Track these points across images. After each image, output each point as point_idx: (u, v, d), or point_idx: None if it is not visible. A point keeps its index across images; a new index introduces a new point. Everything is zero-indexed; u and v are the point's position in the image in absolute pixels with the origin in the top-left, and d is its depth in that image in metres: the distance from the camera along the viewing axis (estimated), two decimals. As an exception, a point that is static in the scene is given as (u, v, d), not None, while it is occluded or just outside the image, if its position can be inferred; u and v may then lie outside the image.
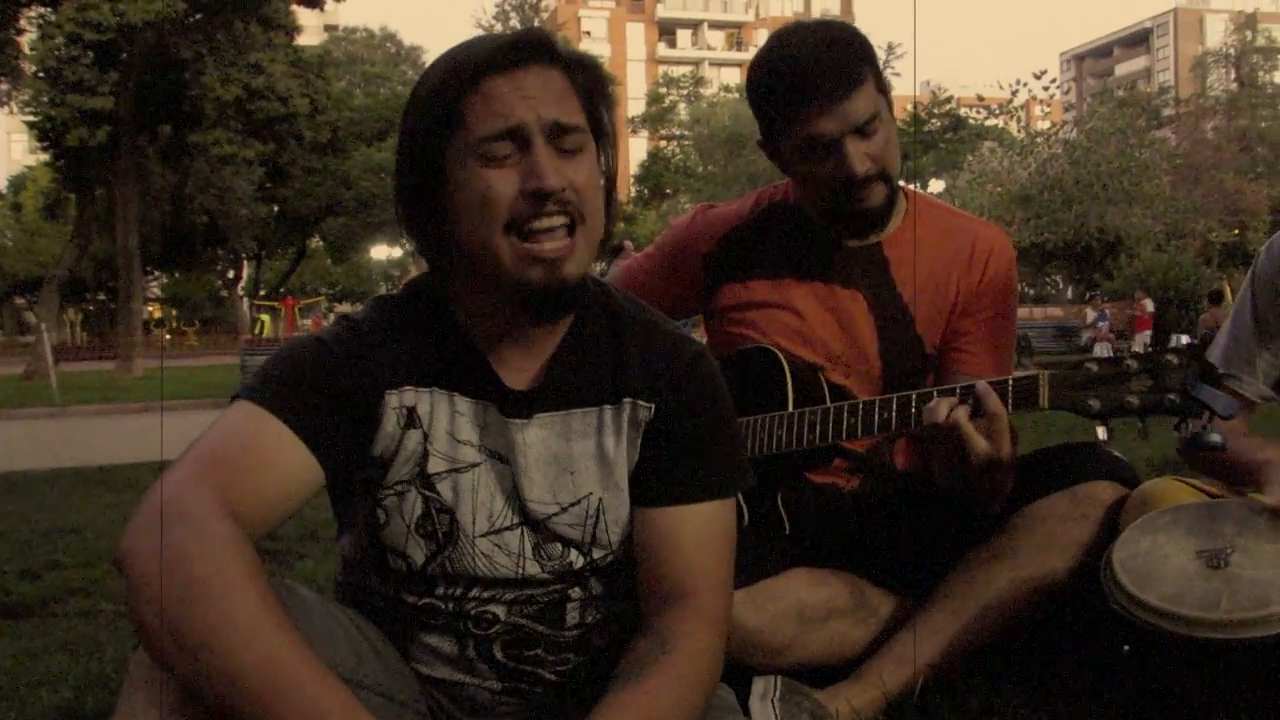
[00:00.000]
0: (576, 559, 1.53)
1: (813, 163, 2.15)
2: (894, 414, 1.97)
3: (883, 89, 2.16)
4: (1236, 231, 40.20)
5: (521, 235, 1.39)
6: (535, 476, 1.50)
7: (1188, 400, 1.70)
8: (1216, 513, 1.86)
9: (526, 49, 1.41)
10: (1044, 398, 1.82)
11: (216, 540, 1.22)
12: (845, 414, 2.03)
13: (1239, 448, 2.03)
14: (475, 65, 1.39)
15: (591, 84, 1.47)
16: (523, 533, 1.51)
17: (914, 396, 1.95)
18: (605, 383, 1.52)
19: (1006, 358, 2.25)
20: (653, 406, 1.52)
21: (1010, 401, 1.85)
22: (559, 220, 1.39)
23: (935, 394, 1.92)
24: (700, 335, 2.33)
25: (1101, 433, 1.79)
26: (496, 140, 1.38)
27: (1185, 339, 1.94)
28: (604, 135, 1.49)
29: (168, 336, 49.35)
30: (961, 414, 1.85)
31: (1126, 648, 1.81)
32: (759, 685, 1.92)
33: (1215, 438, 1.69)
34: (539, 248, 1.39)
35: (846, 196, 2.15)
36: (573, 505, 1.51)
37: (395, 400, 1.47)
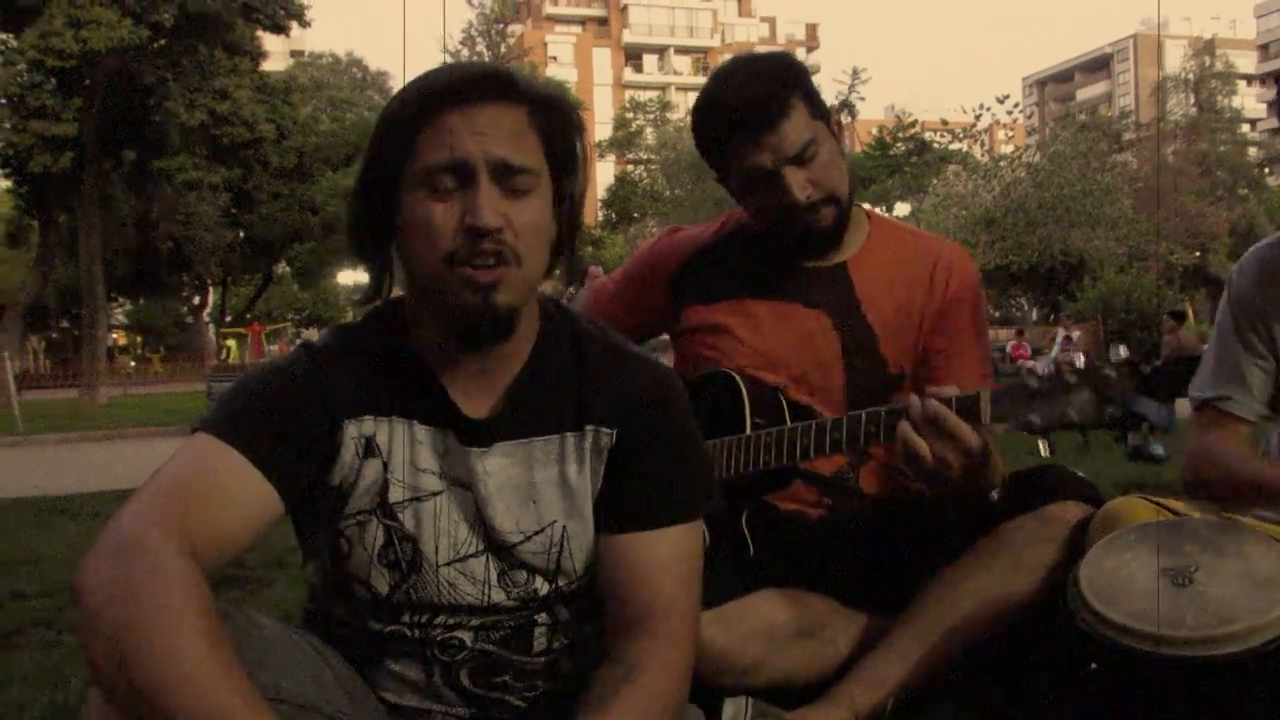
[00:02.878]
0: (542, 586, 1.52)
1: (756, 194, 2.18)
2: (844, 434, 1.97)
3: (819, 114, 2.17)
4: (1197, 254, 40.73)
5: (460, 266, 1.39)
6: (498, 505, 1.49)
7: (1127, 413, 1.71)
8: (1180, 531, 1.88)
9: (487, 85, 1.41)
10: (985, 414, 1.82)
11: (169, 578, 1.21)
12: (799, 435, 2.04)
13: (1248, 469, 2.06)
14: (432, 96, 1.40)
15: (557, 123, 1.46)
16: (487, 560, 1.50)
17: (863, 416, 1.96)
18: (567, 409, 1.52)
19: (985, 370, 2.27)
20: (615, 432, 1.51)
21: None
22: (491, 261, 1.38)
23: (883, 414, 1.92)
24: (667, 359, 2.34)
25: (1043, 448, 1.80)
26: (440, 171, 1.38)
27: (1124, 351, 1.90)
28: (566, 175, 1.48)
29: (132, 363, 48.92)
30: (939, 408, 1.82)
31: (1093, 666, 1.81)
32: (730, 706, 1.92)
33: (1158, 450, 1.70)
34: (474, 274, 1.38)
35: (794, 222, 2.17)
36: (537, 534, 1.50)
37: (354, 429, 1.47)
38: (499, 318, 1.42)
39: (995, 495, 2.03)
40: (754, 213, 2.27)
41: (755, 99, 2.10)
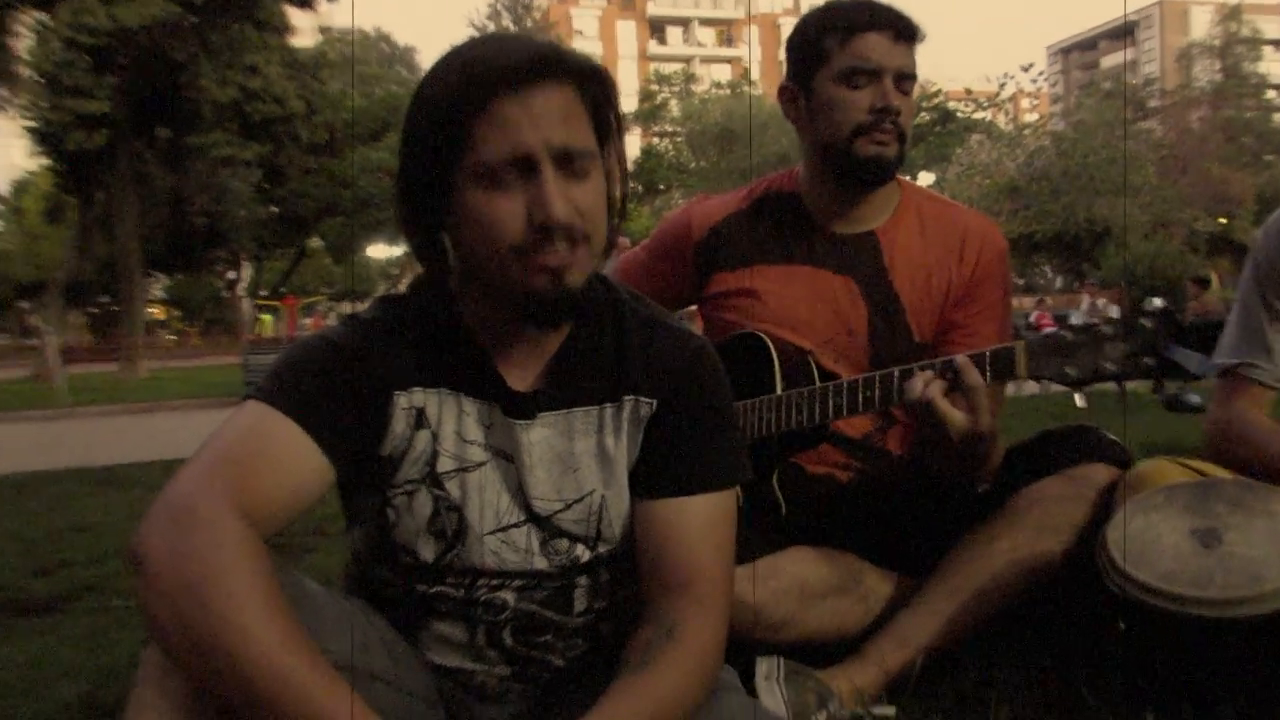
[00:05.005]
0: (583, 553, 1.54)
1: (852, 89, 2.21)
2: (876, 392, 1.99)
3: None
4: (1223, 220, 40.21)
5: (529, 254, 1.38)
6: (540, 475, 1.51)
7: (1162, 362, 1.73)
8: (1209, 492, 1.89)
9: (539, 68, 1.37)
10: (1021, 367, 1.84)
11: (228, 541, 1.23)
12: (830, 394, 2.05)
13: (1275, 446, 2.05)
14: (485, 85, 1.36)
15: (601, 94, 1.45)
16: (529, 530, 1.52)
17: (896, 374, 1.97)
18: (606, 380, 1.53)
19: None
20: (654, 403, 1.53)
21: (989, 372, 1.87)
22: (563, 248, 1.38)
23: (915, 370, 1.95)
24: (696, 328, 2.36)
25: (1079, 399, 1.82)
26: (503, 167, 1.36)
27: (1158, 301, 1.90)
28: (611, 144, 1.47)
29: (170, 337, 49.24)
30: (936, 389, 1.89)
31: (1122, 626, 1.83)
32: (763, 666, 1.94)
33: (1194, 398, 1.72)
34: (544, 259, 1.37)
35: (869, 136, 2.20)
36: (576, 502, 1.52)
37: (405, 401, 1.48)
38: (570, 299, 1.42)
39: (982, 488, 2.05)
40: (834, 111, 2.25)
41: (902, 13, 2.21)
